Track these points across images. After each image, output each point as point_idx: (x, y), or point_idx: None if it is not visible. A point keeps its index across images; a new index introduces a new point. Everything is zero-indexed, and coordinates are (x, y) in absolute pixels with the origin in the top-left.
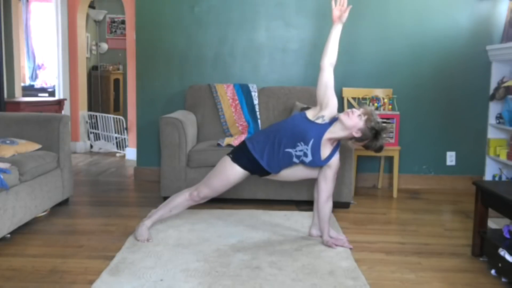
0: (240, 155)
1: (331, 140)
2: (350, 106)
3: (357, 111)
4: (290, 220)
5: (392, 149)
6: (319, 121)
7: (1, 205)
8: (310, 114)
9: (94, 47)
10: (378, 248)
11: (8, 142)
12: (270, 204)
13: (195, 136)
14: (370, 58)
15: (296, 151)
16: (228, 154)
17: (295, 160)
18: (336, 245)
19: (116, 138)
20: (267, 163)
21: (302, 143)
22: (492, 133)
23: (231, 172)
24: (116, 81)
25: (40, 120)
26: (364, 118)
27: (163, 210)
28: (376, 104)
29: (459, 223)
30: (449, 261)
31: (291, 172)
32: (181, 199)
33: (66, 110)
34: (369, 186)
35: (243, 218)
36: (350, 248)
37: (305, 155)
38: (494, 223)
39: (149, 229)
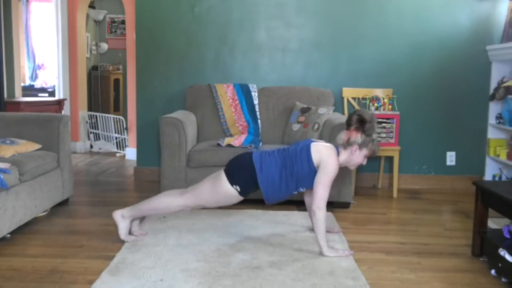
0: (248, 187)
1: None
2: (350, 106)
3: (356, 147)
4: (290, 220)
5: (392, 149)
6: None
7: (1, 205)
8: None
9: (94, 47)
10: (378, 248)
11: (8, 142)
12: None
13: (195, 136)
14: (370, 58)
15: (297, 189)
16: (233, 185)
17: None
18: (337, 255)
19: (116, 138)
20: (268, 200)
21: (302, 188)
22: (492, 133)
23: (233, 200)
24: (116, 81)
25: (40, 120)
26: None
27: (151, 212)
28: (376, 104)
29: (459, 223)
30: (449, 261)
31: None
32: (173, 208)
33: (66, 110)
34: (369, 186)
35: (243, 218)
36: (351, 254)
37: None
38: (494, 223)
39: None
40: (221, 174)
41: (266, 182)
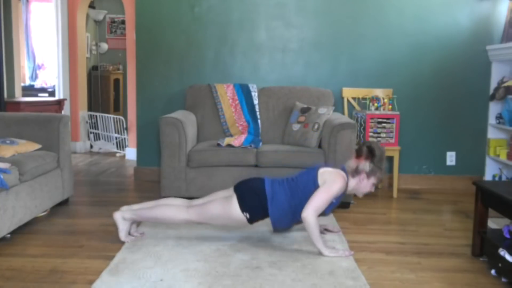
0: (257, 215)
1: None
2: (350, 106)
3: (364, 176)
4: None
5: (392, 149)
6: None
7: (1, 205)
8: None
9: (94, 47)
10: (378, 248)
11: (8, 142)
12: None
13: (195, 136)
14: (370, 58)
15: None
16: (244, 212)
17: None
18: (337, 255)
19: (116, 138)
20: (276, 229)
21: None
22: (492, 133)
23: (239, 225)
24: (116, 81)
25: (40, 120)
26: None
27: (152, 220)
28: (376, 104)
29: (459, 223)
30: (449, 261)
31: None
32: (175, 221)
33: (66, 110)
34: None
35: None
36: (351, 254)
37: None
38: (494, 223)
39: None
40: (233, 197)
41: (276, 212)
